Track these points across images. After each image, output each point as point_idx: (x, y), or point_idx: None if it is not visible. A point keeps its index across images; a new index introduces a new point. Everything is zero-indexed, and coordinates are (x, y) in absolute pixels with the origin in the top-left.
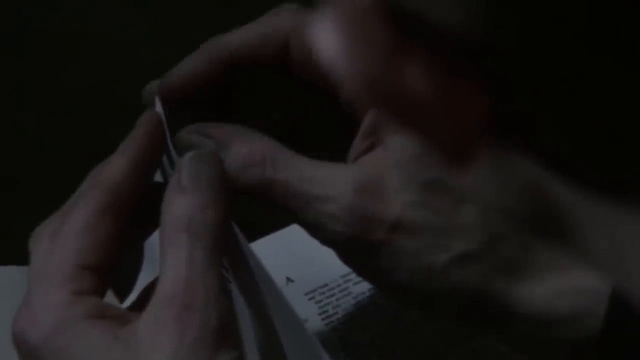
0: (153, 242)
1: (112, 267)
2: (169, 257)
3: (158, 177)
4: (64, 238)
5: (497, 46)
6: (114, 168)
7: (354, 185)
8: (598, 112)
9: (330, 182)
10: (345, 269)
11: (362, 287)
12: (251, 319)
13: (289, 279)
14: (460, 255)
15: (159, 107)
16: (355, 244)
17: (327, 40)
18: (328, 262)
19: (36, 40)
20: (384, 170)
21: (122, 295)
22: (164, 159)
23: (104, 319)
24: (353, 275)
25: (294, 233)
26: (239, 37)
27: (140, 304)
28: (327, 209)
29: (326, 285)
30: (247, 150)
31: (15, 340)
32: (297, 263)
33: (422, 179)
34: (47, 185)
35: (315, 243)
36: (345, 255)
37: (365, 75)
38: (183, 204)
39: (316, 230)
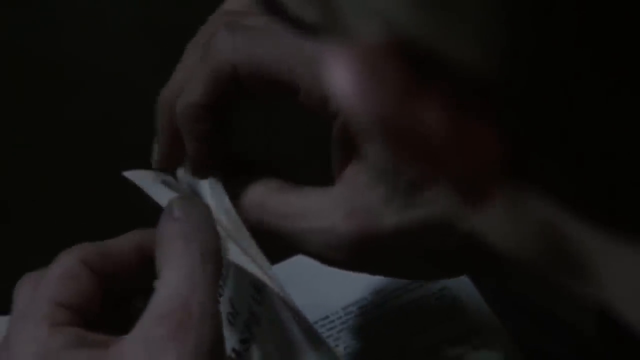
0: None
1: (95, 315)
2: (166, 277)
3: None
4: (44, 284)
5: (512, 83)
6: (117, 242)
7: (344, 211)
8: (614, 150)
9: (320, 213)
10: (346, 300)
11: (363, 319)
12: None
13: None
14: (468, 234)
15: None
16: (362, 264)
17: (341, 80)
18: (329, 294)
19: (39, 70)
20: (366, 183)
21: None
22: None
23: (86, 347)
24: (354, 307)
25: (295, 265)
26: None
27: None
28: (325, 241)
29: (327, 317)
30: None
31: None
32: (297, 295)
33: (405, 179)
34: (46, 219)
35: (315, 275)
36: (355, 271)
37: (380, 115)
38: (179, 229)
39: (320, 259)
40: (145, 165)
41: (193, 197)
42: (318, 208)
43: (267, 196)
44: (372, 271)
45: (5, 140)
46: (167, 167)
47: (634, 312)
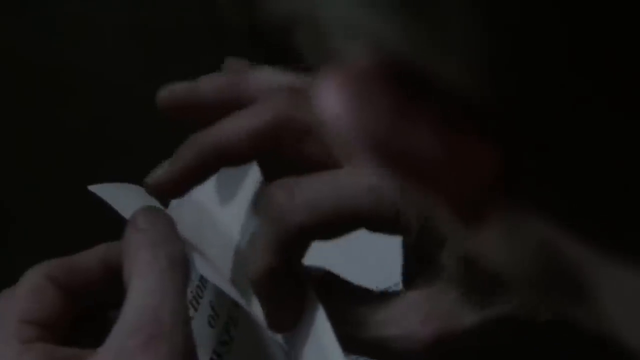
0: None
1: (66, 329)
2: (135, 287)
3: None
4: (11, 302)
5: (502, 102)
6: (83, 257)
7: (421, 316)
8: (609, 169)
9: (398, 320)
10: None
11: None
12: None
13: None
14: (549, 324)
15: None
16: None
17: (332, 102)
18: None
19: (32, 74)
20: (440, 287)
21: None
22: None
23: None
24: None
25: None
26: (230, 134)
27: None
28: (405, 346)
29: None
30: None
31: None
32: None
33: (480, 280)
34: (42, 222)
35: None
36: None
37: (372, 137)
38: (144, 238)
39: None
40: (137, 165)
41: (156, 207)
42: (396, 315)
43: (346, 307)
44: None
45: (3, 144)
46: (166, 194)
47: (629, 332)
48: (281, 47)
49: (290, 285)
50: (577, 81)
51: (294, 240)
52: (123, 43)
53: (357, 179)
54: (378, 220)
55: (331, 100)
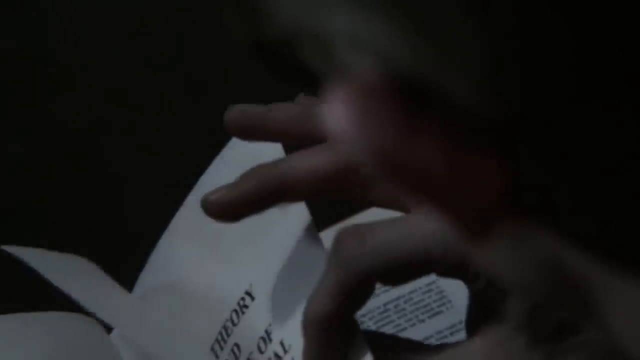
0: (163, 245)
1: None
2: None
3: None
4: None
5: (508, 118)
6: None
7: None
8: (616, 182)
9: None
10: None
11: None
12: None
13: None
14: None
15: None
16: None
17: (338, 117)
18: None
19: (32, 73)
20: (506, 335)
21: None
22: None
23: None
24: None
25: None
26: (296, 172)
27: None
28: None
29: None
30: None
31: None
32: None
33: (548, 328)
34: (42, 222)
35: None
36: None
37: (379, 152)
38: None
39: None
40: (137, 163)
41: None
42: None
43: (398, 357)
44: None
45: (2, 144)
46: (221, 216)
47: (636, 347)
48: (288, 61)
49: (343, 333)
50: (584, 95)
51: (360, 287)
52: (123, 42)
53: (427, 225)
54: (448, 266)
55: (337, 115)
